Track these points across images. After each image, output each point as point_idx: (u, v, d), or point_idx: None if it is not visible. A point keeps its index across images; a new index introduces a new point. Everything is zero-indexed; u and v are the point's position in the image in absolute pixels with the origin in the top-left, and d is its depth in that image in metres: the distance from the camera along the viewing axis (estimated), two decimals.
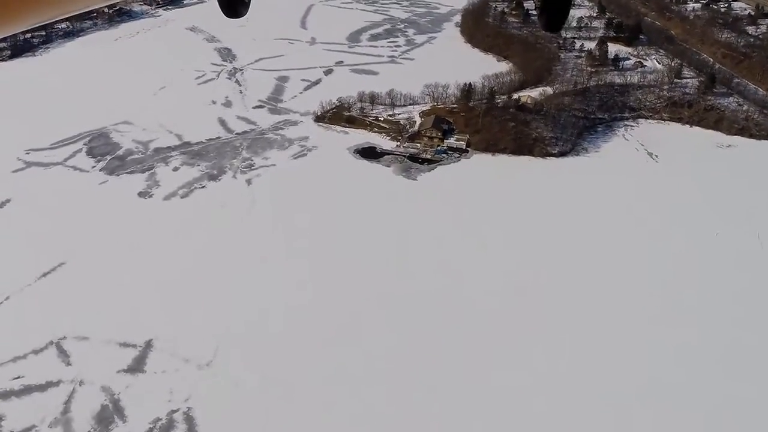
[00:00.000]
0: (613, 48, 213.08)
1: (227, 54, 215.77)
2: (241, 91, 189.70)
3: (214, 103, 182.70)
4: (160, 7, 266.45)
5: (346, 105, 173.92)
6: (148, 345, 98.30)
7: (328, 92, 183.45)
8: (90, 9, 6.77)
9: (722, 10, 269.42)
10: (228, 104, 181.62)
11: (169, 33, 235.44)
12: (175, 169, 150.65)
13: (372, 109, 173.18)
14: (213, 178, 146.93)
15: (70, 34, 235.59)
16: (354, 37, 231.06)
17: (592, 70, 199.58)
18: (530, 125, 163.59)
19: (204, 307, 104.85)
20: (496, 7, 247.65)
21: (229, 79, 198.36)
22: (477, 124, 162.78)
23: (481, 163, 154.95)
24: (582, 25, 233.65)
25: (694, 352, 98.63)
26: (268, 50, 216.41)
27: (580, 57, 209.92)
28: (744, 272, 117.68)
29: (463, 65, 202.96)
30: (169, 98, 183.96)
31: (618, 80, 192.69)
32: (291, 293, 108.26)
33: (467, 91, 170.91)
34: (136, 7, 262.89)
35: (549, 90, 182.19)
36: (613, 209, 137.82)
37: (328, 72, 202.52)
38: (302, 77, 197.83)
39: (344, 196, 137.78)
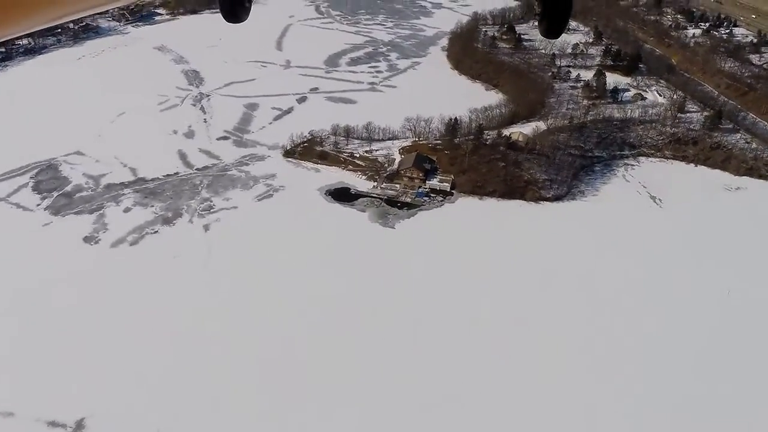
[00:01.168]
0: (611, 78, 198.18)
1: (194, 77, 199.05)
2: (205, 120, 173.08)
3: (175, 133, 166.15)
4: (130, 23, 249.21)
5: (318, 139, 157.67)
6: (80, 425, 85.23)
7: (301, 123, 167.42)
8: (95, 11, 6.37)
9: (723, 36, 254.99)
10: (190, 134, 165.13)
11: (136, 52, 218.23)
12: (127, 210, 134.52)
13: (347, 144, 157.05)
14: (167, 221, 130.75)
15: (31, 52, 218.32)
16: (332, 61, 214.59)
17: (590, 102, 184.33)
18: (522, 166, 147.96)
19: (148, 384, 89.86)
20: (486, 31, 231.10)
21: (194, 105, 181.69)
22: (463, 163, 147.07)
23: (466, 208, 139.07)
24: (577, 52, 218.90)
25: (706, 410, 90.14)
26: (239, 74, 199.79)
27: (576, 88, 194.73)
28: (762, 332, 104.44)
29: (449, 95, 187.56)
30: (127, 126, 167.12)
31: (617, 114, 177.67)
32: (248, 366, 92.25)
33: (452, 126, 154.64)
34: (104, 23, 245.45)
35: (542, 125, 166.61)
36: (613, 262, 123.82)
37: (302, 100, 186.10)
38: (273, 105, 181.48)
39: (313, 248, 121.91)
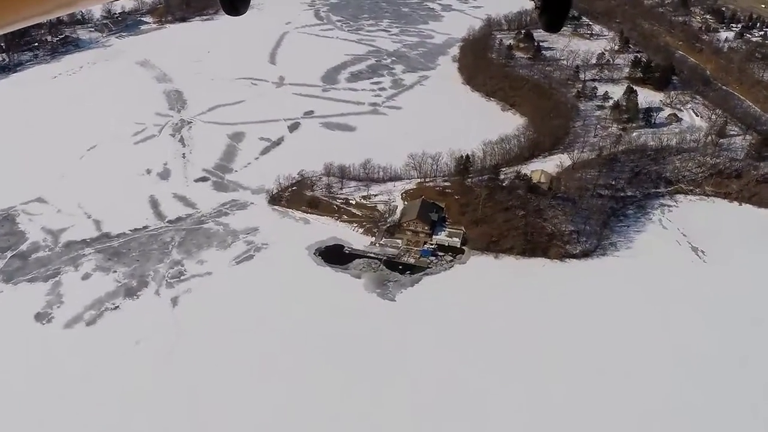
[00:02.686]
0: (641, 94, 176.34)
1: (177, 99, 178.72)
2: (184, 155, 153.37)
3: (148, 173, 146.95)
4: (113, 34, 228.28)
5: (309, 181, 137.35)
6: None
7: (291, 157, 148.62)
8: (87, 6, 6.63)
9: (758, 40, 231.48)
10: (165, 175, 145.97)
11: (116, 69, 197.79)
12: (86, 276, 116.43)
13: (342, 188, 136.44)
14: (130, 293, 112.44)
15: (5, 70, 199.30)
16: (330, 77, 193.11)
17: (620, 127, 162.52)
18: (544, 214, 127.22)
19: None
20: (501, 40, 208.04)
21: (173, 136, 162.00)
22: (476, 212, 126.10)
23: (480, 270, 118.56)
24: (603, 62, 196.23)
25: None
26: (226, 94, 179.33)
27: (604, 108, 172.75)
28: None
29: (461, 117, 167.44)
30: (96, 164, 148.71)
31: (651, 143, 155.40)
32: None
33: (464, 165, 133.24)
34: (85, 35, 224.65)
35: (567, 159, 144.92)
36: (652, 333, 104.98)
37: (294, 126, 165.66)
38: (262, 134, 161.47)
39: (298, 331, 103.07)
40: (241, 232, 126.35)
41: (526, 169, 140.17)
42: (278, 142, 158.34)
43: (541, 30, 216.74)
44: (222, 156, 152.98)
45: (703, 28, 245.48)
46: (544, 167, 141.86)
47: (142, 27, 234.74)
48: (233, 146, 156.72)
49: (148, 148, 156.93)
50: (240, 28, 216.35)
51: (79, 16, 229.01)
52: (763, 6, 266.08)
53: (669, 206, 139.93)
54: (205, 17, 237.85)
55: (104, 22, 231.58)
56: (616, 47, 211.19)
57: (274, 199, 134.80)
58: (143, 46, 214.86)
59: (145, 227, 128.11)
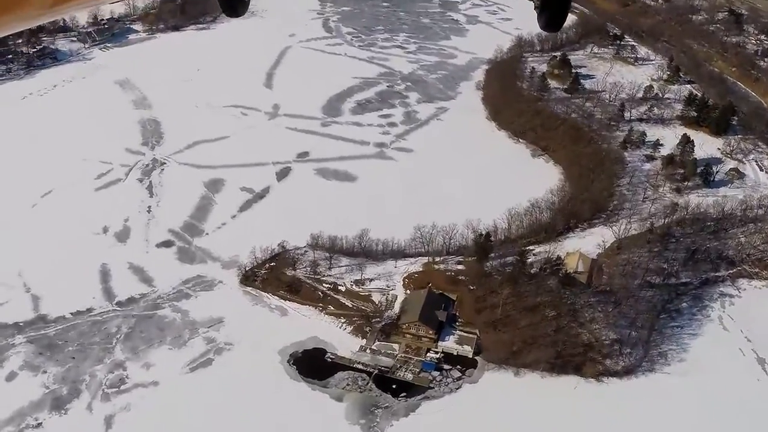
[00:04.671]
0: (695, 138, 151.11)
1: (153, 131, 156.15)
2: (149, 209, 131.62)
3: (105, 232, 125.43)
4: (97, 44, 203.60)
5: (290, 257, 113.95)
6: None
7: (274, 216, 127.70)
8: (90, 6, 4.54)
9: None
10: (123, 235, 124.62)
11: (92, 89, 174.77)
12: (11, 376, 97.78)
13: (330, 267, 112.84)
14: (58, 405, 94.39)
15: None
16: (333, 106, 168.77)
17: (673, 187, 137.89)
18: (580, 316, 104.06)
19: None
20: (533, 68, 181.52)
21: (141, 181, 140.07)
22: (495, 309, 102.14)
23: (495, 392, 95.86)
24: (651, 95, 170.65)
25: None
26: (210, 126, 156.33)
27: (654, 159, 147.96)
28: None
29: (483, 167, 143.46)
30: (48, 215, 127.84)
31: (711, 210, 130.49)
32: None
33: (482, 245, 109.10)
34: (66, 46, 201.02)
35: (609, 234, 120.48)
36: None
37: (284, 173, 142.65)
38: (244, 181, 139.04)
39: None
40: (201, 325, 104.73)
41: (560, 248, 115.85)
42: (262, 194, 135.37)
43: (578, 54, 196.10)
44: (194, 211, 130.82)
45: (759, 52, 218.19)
46: (582, 245, 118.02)
47: (130, 36, 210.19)
48: (209, 198, 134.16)
49: (110, 196, 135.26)
50: (238, 40, 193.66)
51: (61, 24, 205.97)
52: None
53: (731, 297, 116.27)
54: (200, 26, 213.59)
55: (89, 30, 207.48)
56: (665, 76, 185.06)
57: (247, 278, 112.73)
58: (127, 60, 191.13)
59: (89, 310, 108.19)
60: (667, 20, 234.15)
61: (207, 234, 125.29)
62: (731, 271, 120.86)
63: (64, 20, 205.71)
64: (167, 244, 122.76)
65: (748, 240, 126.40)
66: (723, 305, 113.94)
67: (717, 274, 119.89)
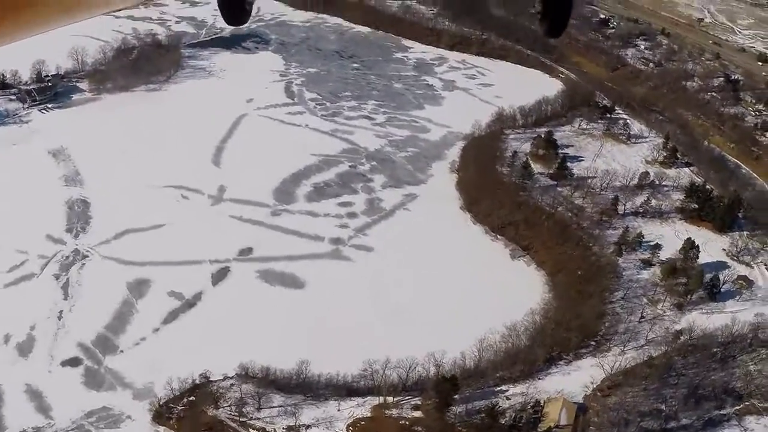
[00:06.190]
0: (697, 235, 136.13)
1: (80, 216, 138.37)
2: (60, 314, 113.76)
3: (6, 341, 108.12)
4: (37, 105, 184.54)
5: (213, 392, 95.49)
6: None
7: (202, 333, 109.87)
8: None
9: None
10: (25, 348, 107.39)
11: (21, 159, 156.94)
12: None
13: (260, 407, 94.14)
14: None
15: None
16: (286, 190, 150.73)
17: (674, 302, 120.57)
18: None
19: None
20: (515, 151, 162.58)
21: (57, 278, 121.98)
22: None
23: None
24: (646, 182, 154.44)
25: None
26: (146, 211, 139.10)
27: (651, 263, 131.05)
28: None
29: (454, 273, 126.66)
30: None
31: (718, 332, 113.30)
32: None
33: (446, 391, 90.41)
34: (2, 106, 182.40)
35: (599, 371, 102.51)
36: None
37: (221, 275, 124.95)
38: (174, 284, 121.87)
39: None
40: None
41: (540, 388, 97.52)
42: (192, 302, 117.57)
43: (565, 130, 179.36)
44: (111, 320, 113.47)
45: (758, 125, 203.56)
46: (567, 385, 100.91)
47: (74, 96, 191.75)
48: (130, 304, 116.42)
49: (19, 295, 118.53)
50: (190, 105, 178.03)
51: (0, 79, 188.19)
52: None
53: None
54: (152, 86, 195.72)
55: (30, 88, 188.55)
56: (661, 158, 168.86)
57: (161, 415, 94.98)
58: (66, 124, 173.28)
59: None
60: (659, 87, 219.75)
61: (122, 351, 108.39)
62: (738, 407, 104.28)
63: (4, 76, 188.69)
64: (74, 362, 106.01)
65: (758, 368, 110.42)
66: None
67: (722, 412, 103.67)
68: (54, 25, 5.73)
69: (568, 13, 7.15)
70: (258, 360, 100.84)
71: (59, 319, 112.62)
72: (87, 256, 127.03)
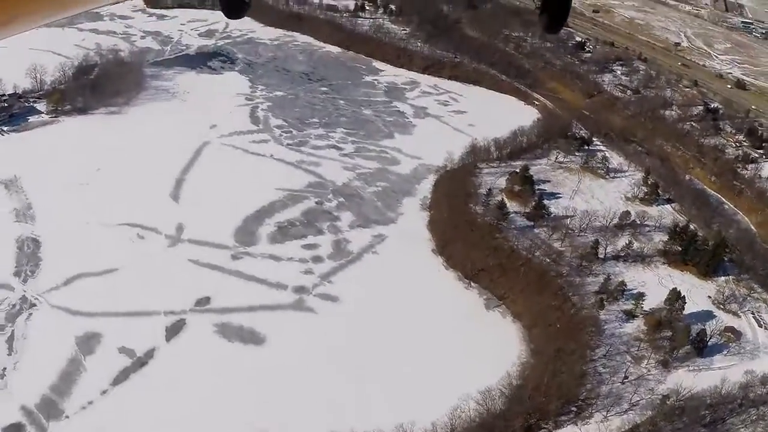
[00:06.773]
0: (680, 280, 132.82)
1: (29, 258, 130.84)
2: (4, 373, 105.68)
3: None
4: None
5: None
6: None
7: (150, 399, 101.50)
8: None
9: None
10: None
11: None
12: None
13: None
14: None
15: None
16: (248, 230, 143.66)
17: (659, 359, 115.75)
18: None
19: None
20: (490, 189, 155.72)
21: (2, 330, 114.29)
22: None
23: None
24: (627, 222, 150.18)
25: None
26: (98, 252, 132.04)
27: (634, 315, 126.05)
28: None
29: (424, 329, 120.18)
30: None
31: (706, 393, 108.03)
32: None
33: None
34: None
35: None
36: None
37: (175, 330, 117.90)
38: (125, 339, 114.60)
39: None
40: None
41: None
42: (144, 361, 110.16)
43: (541, 163, 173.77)
44: (57, 380, 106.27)
45: (740, 157, 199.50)
46: None
47: (31, 119, 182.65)
48: (78, 362, 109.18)
49: None
50: (150, 130, 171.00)
51: None
52: None
53: None
54: (112, 108, 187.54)
55: None
56: (641, 194, 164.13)
57: None
58: (21, 151, 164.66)
59: None
60: (637, 116, 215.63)
61: (67, 417, 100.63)
62: None
63: None
64: (17, 429, 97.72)
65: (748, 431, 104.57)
66: None
67: None
68: (48, 19, 5.61)
69: (567, 8, 7.08)
70: (211, 430, 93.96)
71: (2, 378, 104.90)
72: (35, 305, 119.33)
